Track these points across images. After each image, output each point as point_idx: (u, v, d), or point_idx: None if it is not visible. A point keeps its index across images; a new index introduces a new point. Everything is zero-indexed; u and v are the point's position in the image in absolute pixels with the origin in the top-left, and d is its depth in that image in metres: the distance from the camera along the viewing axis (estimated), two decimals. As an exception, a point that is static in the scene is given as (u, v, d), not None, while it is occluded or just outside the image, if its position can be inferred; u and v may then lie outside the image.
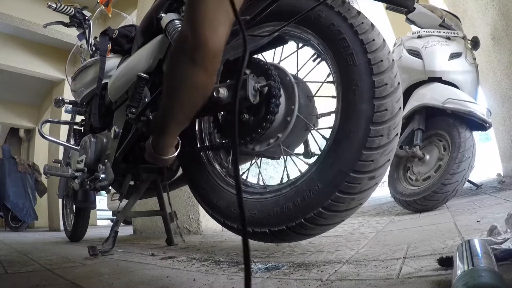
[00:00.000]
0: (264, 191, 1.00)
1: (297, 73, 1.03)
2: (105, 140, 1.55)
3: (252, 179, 1.18)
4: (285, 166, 1.05)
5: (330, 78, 0.92)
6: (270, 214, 0.90)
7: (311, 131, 1.04)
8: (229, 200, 1.06)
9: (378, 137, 0.76)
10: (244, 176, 1.17)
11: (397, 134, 0.80)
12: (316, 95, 1.03)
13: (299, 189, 0.86)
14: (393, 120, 0.77)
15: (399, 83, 0.80)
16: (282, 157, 1.08)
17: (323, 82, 0.99)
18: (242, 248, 0.34)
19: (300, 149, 1.10)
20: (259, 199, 0.96)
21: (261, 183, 1.10)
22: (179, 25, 1.09)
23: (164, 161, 1.02)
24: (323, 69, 0.97)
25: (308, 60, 1.02)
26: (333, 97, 0.90)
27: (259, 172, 1.12)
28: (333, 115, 0.89)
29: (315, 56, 1.01)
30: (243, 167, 1.31)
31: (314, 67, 1.01)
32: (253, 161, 1.17)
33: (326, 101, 1.03)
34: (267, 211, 0.91)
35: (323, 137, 0.94)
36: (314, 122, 1.05)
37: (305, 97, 1.00)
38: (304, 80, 1.03)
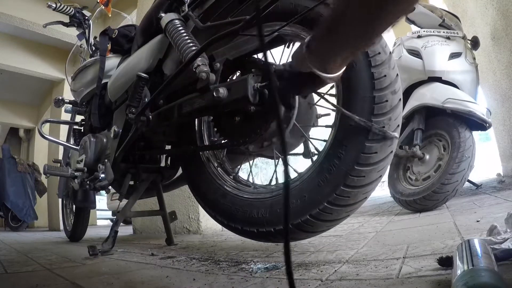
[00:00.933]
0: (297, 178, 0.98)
1: None
2: (105, 140, 1.55)
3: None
4: (275, 170, 1.05)
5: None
6: (305, 197, 0.87)
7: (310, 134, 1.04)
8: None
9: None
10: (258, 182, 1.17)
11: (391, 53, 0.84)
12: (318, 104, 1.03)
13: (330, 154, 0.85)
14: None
15: None
16: (274, 159, 1.07)
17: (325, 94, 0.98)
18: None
19: (300, 149, 1.10)
20: (294, 187, 0.93)
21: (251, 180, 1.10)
22: (179, 25, 1.09)
23: (324, 81, 0.71)
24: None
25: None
26: (334, 106, 0.90)
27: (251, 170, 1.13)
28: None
29: None
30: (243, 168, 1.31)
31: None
32: (252, 160, 1.17)
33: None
34: (309, 189, 0.87)
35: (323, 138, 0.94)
36: (314, 122, 1.05)
37: (306, 104, 1.00)
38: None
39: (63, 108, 2.11)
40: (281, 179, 1.06)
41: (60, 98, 2.01)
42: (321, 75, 0.66)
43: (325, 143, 0.92)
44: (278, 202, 0.94)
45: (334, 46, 0.63)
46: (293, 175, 0.99)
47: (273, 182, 1.08)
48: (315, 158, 0.98)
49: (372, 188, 0.83)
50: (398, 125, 0.81)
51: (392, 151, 0.82)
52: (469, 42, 2.13)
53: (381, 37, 0.64)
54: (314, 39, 0.66)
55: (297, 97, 0.91)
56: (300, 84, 0.77)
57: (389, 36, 4.06)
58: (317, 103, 1.04)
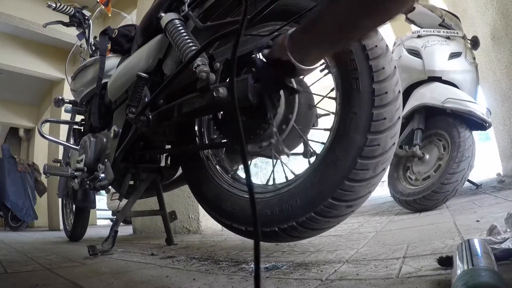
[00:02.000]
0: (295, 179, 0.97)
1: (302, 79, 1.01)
2: (104, 140, 1.55)
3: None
4: (273, 170, 1.05)
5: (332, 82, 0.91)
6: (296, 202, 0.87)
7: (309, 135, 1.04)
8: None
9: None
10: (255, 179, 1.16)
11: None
12: (318, 106, 1.02)
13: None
14: None
15: None
16: (272, 160, 1.07)
17: (325, 96, 0.97)
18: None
19: (300, 148, 1.10)
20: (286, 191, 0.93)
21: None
22: (179, 25, 1.09)
23: (297, 72, 0.75)
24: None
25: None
26: (333, 113, 0.89)
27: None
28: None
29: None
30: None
31: (322, 77, 0.99)
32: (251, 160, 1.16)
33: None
34: (300, 196, 0.87)
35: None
36: (314, 122, 1.05)
37: (306, 105, 0.99)
38: (309, 87, 1.01)
39: (63, 108, 2.11)
40: (279, 180, 1.06)
41: (60, 97, 2.01)
42: (297, 65, 0.71)
43: (322, 145, 0.92)
44: (270, 202, 0.94)
45: (316, 39, 0.68)
46: (289, 177, 0.99)
47: (270, 182, 1.09)
48: (311, 160, 0.98)
49: (360, 202, 0.83)
50: (394, 143, 0.81)
51: (384, 169, 0.81)
52: (469, 42, 2.13)
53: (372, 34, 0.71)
54: (298, 31, 0.71)
55: (292, 121, 0.91)
56: (274, 72, 0.80)
57: (389, 36, 4.07)
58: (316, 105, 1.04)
